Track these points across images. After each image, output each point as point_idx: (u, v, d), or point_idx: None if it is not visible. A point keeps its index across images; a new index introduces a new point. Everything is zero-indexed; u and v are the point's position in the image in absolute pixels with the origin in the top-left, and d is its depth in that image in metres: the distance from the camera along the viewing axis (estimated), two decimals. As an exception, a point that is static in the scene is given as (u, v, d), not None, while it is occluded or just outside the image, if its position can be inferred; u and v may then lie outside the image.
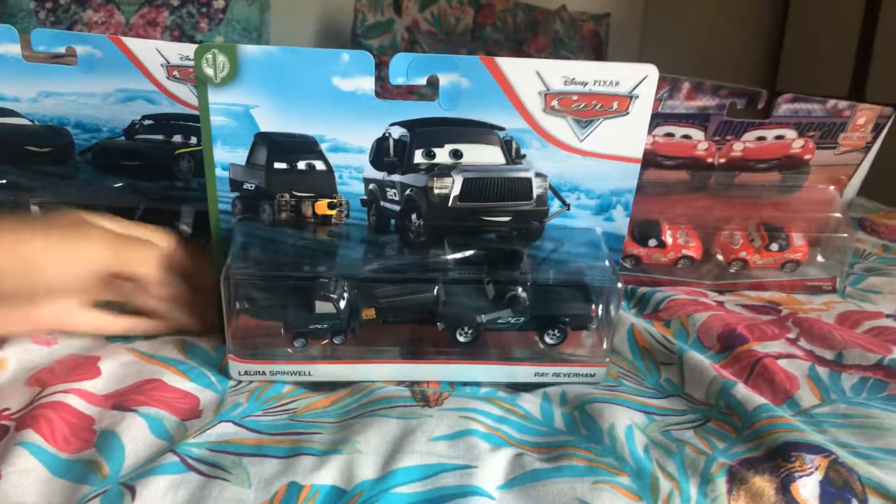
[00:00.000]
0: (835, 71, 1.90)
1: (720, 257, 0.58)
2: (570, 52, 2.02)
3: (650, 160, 0.57)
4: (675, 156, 0.57)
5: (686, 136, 0.56)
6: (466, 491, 0.31)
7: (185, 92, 0.55)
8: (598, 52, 2.07)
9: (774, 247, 0.57)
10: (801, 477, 0.32)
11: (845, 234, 0.56)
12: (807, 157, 0.57)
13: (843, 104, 0.54)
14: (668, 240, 0.57)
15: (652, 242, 0.57)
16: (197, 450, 0.33)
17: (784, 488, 0.31)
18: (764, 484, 0.31)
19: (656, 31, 2.24)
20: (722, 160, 0.57)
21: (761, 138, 0.56)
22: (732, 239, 0.58)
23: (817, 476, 0.32)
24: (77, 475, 0.31)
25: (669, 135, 0.56)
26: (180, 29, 1.87)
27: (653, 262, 0.57)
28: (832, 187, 0.59)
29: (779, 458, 0.33)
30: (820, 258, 0.58)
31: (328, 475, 0.31)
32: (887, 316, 0.51)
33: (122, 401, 0.37)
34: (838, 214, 0.57)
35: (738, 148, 0.56)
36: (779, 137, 0.56)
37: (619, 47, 2.15)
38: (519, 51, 2.02)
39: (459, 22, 2.08)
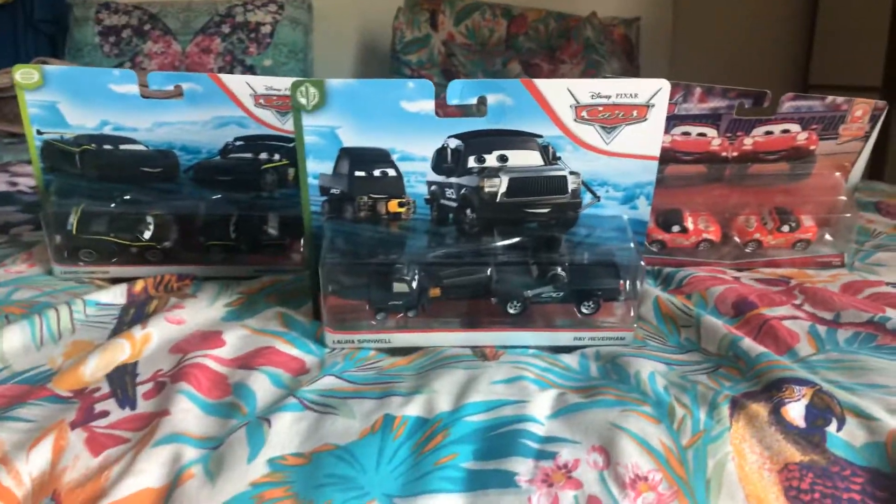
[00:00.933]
0: (867, 63, 1.93)
1: (737, 239, 0.65)
2: (602, 57, 2.09)
3: (670, 157, 0.65)
4: (692, 152, 0.65)
5: (701, 134, 0.64)
6: (522, 418, 0.39)
7: (270, 116, 0.66)
8: (629, 55, 2.14)
9: (786, 228, 0.64)
10: (789, 402, 0.39)
11: (849, 214, 0.63)
12: (811, 147, 0.64)
13: (840, 99, 0.61)
14: (690, 226, 0.65)
15: (675, 228, 0.65)
16: (310, 395, 0.43)
17: (776, 411, 0.39)
18: (759, 408, 0.39)
19: (687, 32, 2.29)
20: (735, 154, 0.65)
21: (769, 133, 0.63)
22: (748, 223, 0.65)
23: (804, 402, 0.40)
24: (224, 413, 0.41)
25: (686, 133, 0.64)
26: (232, 54, 2.00)
27: (677, 246, 0.65)
28: (838, 173, 0.66)
29: (773, 389, 0.41)
30: (828, 237, 0.65)
31: (414, 408, 0.40)
32: (887, 284, 0.58)
33: (246, 362, 0.47)
34: (843, 197, 0.64)
35: (748, 142, 0.64)
36: (785, 132, 0.63)
37: (650, 50, 2.20)
38: (552, 58, 2.09)
39: (493, 33, 2.17)
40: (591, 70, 2.07)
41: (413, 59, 2.03)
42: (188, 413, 0.41)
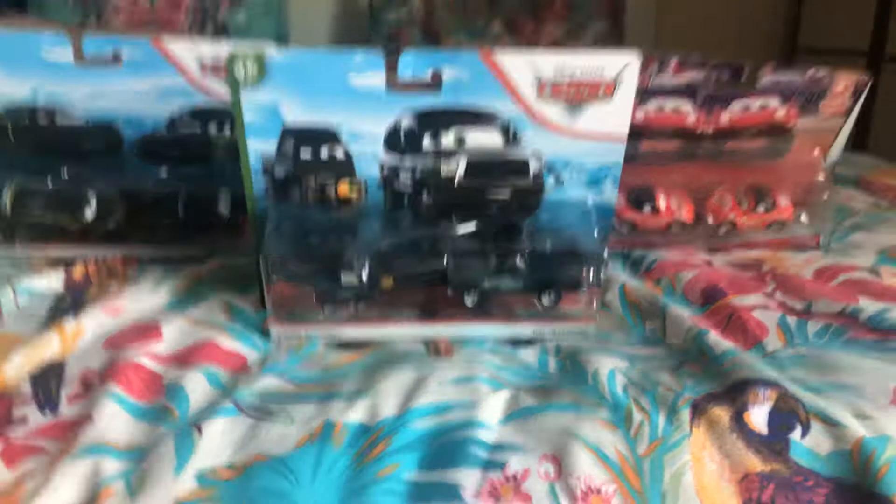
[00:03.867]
0: (855, 26, 1.88)
1: (710, 220, 0.63)
2: (586, 18, 2.03)
3: (643, 132, 0.61)
4: (666, 127, 0.61)
5: (675, 109, 0.60)
6: (470, 423, 0.37)
7: (219, 87, 0.61)
8: (614, 15, 2.08)
9: (761, 208, 0.62)
10: (752, 407, 0.37)
11: (827, 195, 0.61)
12: (790, 123, 0.61)
13: (821, 73, 0.58)
14: (662, 205, 0.62)
15: (647, 208, 0.62)
16: (248, 397, 0.40)
17: (738, 416, 0.37)
18: (721, 413, 0.37)
19: (673, -9, 2.23)
20: (711, 129, 0.61)
21: (747, 108, 0.60)
22: (722, 202, 0.62)
23: (768, 406, 0.38)
24: (154, 417, 0.39)
25: (660, 108, 0.60)
26: (203, 10, 1.92)
27: (647, 227, 0.63)
28: (816, 151, 0.63)
29: (735, 391, 0.38)
30: (804, 218, 0.62)
31: (356, 414, 0.38)
32: (861, 269, 0.55)
33: (183, 360, 0.44)
34: (821, 177, 0.62)
35: (725, 117, 0.61)
36: (763, 107, 0.60)
37: (636, 10, 2.14)
38: (536, 17, 2.03)
39: (475, -10, 2.09)
40: (575, 31, 2.01)
41: (392, 16, 1.96)
42: (114, 419, 0.38)
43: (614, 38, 2.08)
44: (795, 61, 2.15)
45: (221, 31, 1.90)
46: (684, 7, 2.21)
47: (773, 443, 0.36)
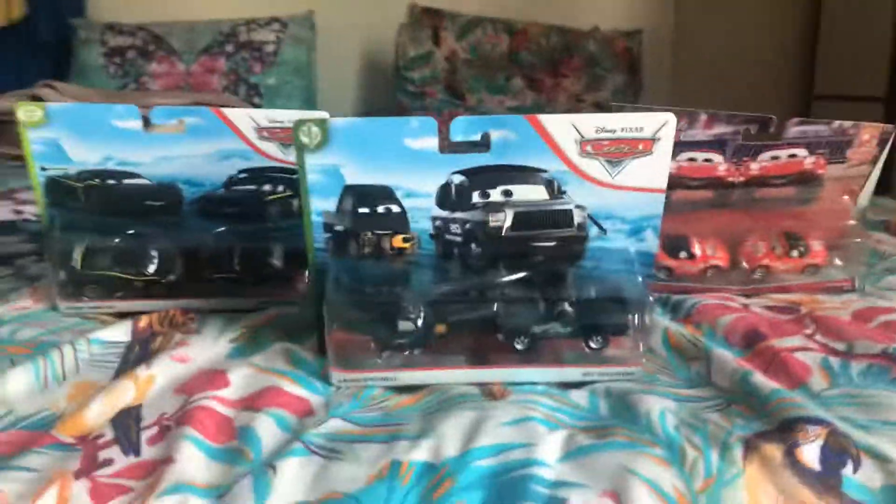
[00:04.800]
0: (871, 73, 1.92)
1: (745, 265, 0.65)
2: (605, 71, 2.09)
3: (677, 182, 0.64)
4: (699, 177, 0.64)
5: (707, 160, 0.63)
6: (530, 462, 0.39)
7: (273, 148, 0.66)
8: (632, 68, 2.14)
9: (795, 253, 0.64)
10: (804, 444, 0.39)
11: (859, 239, 0.63)
12: (819, 171, 0.63)
13: (847, 124, 0.61)
14: (697, 251, 0.64)
15: (682, 254, 0.64)
16: (316, 438, 0.42)
17: (790, 453, 0.38)
18: (773, 450, 0.39)
19: (689, 44, 2.29)
20: (742, 179, 0.64)
21: (775, 158, 0.63)
22: (756, 248, 0.65)
23: (819, 443, 0.39)
24: (229, 459, 0.41)
25: (692, 159, 0.63)
26: (236, 73, 2.01)
27: (685, 272, 0.65)
28: (846, 197, 0.65)
29: (786, 429, 0.40)
30: (838, 261, 0.64)
31: (421, 453, 0.40)
32: (899, 311, 0.57)
33: (251, 404, 0.46)
34: (853, 221, 0.64)
35: (754, 167, 0.63)
36: (791, 156, 0.63)
37: (653, 62, 2.21)
38: (555, 72, 2.10)
39: (496, 48, 2.17)
40: (594, 84, 2.07)
41: (416, 75, 2.03)
42: (193, 460, 0.40)
43: (632, 90, 2.14)
44: (810, 108, 2.19)
45: (254, 92, 2.00)
46: (700, 58, 2.27)
47: (826, 478, 0.37)
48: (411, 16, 2.11)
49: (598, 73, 2.08)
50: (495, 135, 0.49)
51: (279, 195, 0.67)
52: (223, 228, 0.67)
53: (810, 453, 0.38)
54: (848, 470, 0.38)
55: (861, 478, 0.37)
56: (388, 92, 2.07)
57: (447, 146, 0.49)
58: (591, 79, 2.09)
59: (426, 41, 2.08)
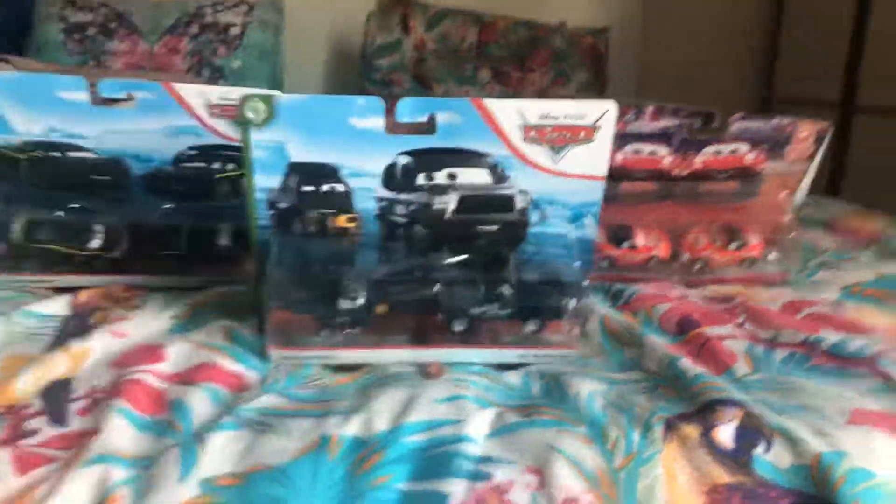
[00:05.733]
0: (828, 77, 1.97)
1: (686, 256, 0.67)
2: (571, 67, 2.11)
3: (622, 174, 0.66)
4: (643, 169, 0.66)
5: (652, 153, 0.65)
6: (459, 438, 0.40)
7: (224, 126, 0.65)
8: (598, 64, 2.16)
9: (733, 246, 0.66)
10: (720, 424, 0.40)
11: (794, 234, 0.65)
12: (759, 167, 0.65)
13: (785, 121, 0.63)
14: (640, 242, 0.66)
15: (625, 245, 0.66)
16: (248, 413, 0.42)
17: (707, 433, 0.40)
18: (691, 430, 0.40)
19: (655, 43, 2.33)
20: (685, 172, 0.66)
21: (718, 152, 0.65)
22: (697, 240, 0.66)
23: (734, 424, 0.40)
24: (159, 430, 0.41)
25: (638, 151, 0.65)
26: (200, 55, 1.97)
27: (627, 262, 0.66)
28: (784, 192, 0.67)
29: (705, 411, 0.41)
30: (774, 255, 0.66)
31: (351, 428, 0.40)
32: (826, 303, 0.59)
33: (186, 378, 0.46)
34: (788, 216, 0.66)
35: (698, 161, 0.65)
36: (733, 151, 0.64)
37: (619, 60, 2.23)
38: (522, 66, 2.11)
39: (464, 40, 2.17)
40: (560, 79, 2.09)
41: (384, 63, 2.02)
42: (121, 431, 0.40)
43: (597, 86, 2.16)
44: (770, 111, 2.24)
45: (218, 75, 1.96)
46: (665, 56, 2.31)
47: (739, 457, 0.39)
48: (381, 4, 2.10)
49: (565, 68, 2.10)
50: (441, 117, 0.49)
51: (229, 173, 0.67)
52: (171, 206, 0.66)
53: (726, 433, 0.40)
54: (760, 450, 0.39)
55: (771, 457, 0.39)
56: (355, 79, 2.06)
57: (393, 127, 0.50)
58: (557, 74, 2.10)
59: (395, 29, 2.07)
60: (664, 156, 0.65)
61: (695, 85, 2.22)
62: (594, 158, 0.51)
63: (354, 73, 2.08)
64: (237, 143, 0.66)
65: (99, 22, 1.95)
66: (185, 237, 0.65)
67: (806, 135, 0.64)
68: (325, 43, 2.21)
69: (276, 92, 0.50)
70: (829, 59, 1.97)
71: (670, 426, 0.41)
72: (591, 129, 0.50)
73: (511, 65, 2.10)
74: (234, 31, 1.99)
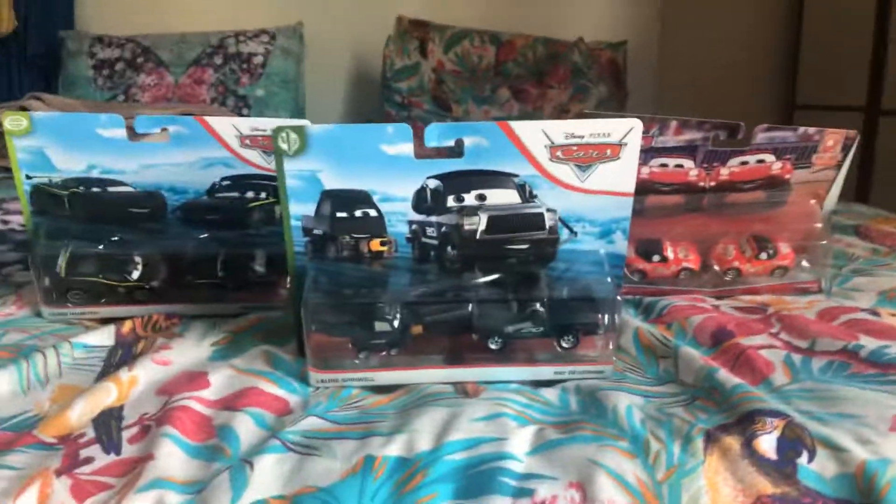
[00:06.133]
0: (851, 81, 1.95)
1: (716, 268, 0.67)
2: (590, 82, 2.12)
3: (649, 188, 0.66)
4: (670, 182, 0.66)
5: (678, 166, 0.65)
6: (501, 456, 0.40)
7: (255, 156, 0.67)
8: (616, 78, 2.17)
9: (763, 255, 0.65)
10: (762, 434, 0.40)
11: (825, 241, 0.64)
12: (786, 176, 0.65)
13: (812, 130, 0.63)
14: (670, 255, 0.66)
15: (655, 258, 0.66)
16: (293, 436, 0.43)
17: (748, 444, 0.40)
18: (732, 441, 0.40)
19: (673, 55, 2.33)
20: (712, 184, 0.66)
21: (744, 163, 0.65)
22: (726, 251, 0.66)
23: (776, 434, 0.40)
24: (208, 456, 0.42)
25: (664, 165, 0.65)
26: (224, 85, 2.02)
27: (657, 275, 0.66)
28: (813, 201, 0.67)
29: (746, 421, 0.41)
30: (805, 263, 0.66)
31: (394, 448, 0.41)
32: (862, 310, 0.59)
33: (230, 404, 0.47)
34: (819, 224, 0.66)
35: (724, 172, 0.65)
36: (760, 161, 0.65)
37: (637, 73, 2.24)
38: (540, 83, 2.12)
39: (482, 60, 2.20)
40: (579, 94, 2.10)
41: (404, 86, 2.05)
42: (172, 457, 0.42)
43: (617, 100, 2.17)
44: (792, 118, 2.22)
45: (242, 103, 2.01)
46: (683, 68, 2.30)
47: (783, 467, 0.39)
48: (399, 28, 2.14)
49: (584, 83, 2.11)
50: (468, 141, 0.50)
51: (261, 202, 0.69)
52: (206, 235, 0.68)
53: (767, 443, 0.40)
54: (803, 459, 0.39)
55: (816, 467, 0.39)
56: (376, 103, 2.09)
57: (422, 152, 0.51)
58: (576, 89, 2.12)
59: (413, 53, 2.10)
60: (690, 168, 0.65)
61: (715, 94, 2.22)
62: (621, 175, 0.51)
63: (375, 96, 2.11)
64: (269, 173, 0.68)
65: (126, 57, 2.01)
66: (220, 265, 0.66)
67: (832, 143, 0.63)
68: (345, 68, 2.25)
69: (306, 122, 0.51)
70: (852, 63, 1.95)
71: (711, 437, 0.41)
72: (618, 147, 0.50)
73: (530, 82, 2.11)
74: (257, 60, 2.04)
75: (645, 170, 0.65)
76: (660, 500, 0.38)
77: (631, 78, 2.20)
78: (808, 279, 0.66)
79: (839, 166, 0.65)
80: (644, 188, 0.65)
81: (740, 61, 2.27)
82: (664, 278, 0.67)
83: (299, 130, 0.49)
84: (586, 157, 0.50)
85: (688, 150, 0.64)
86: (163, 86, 2.00)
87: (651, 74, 2.32)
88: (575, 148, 0.50)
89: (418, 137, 0.50)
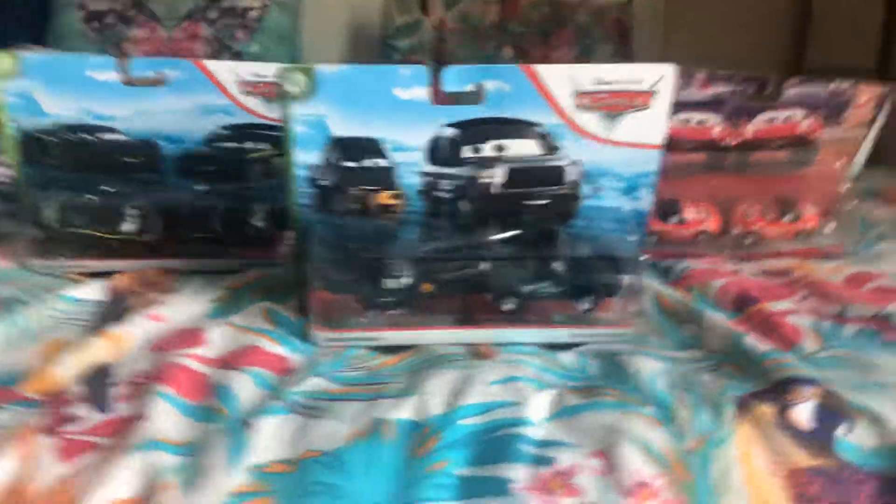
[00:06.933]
0: (862, 45, 1.91)
1: (737, 230, 0.64)
2: (595, 42, 2.06)
3: (670, 144, 0.62)
4: (691, 139, 0.63)
5: (701, 122, 0.62)
6: (517, 422, 0.38)
7: (256, 104, 0.63)
8: (622, 39, 2.11)
9: (786, 218, 0.63)
10: (797, 404, 0.38)
11: (851, 205, 0.62)
12: (814, 135, 0.62)
13: (844, 85, 0.59)
14: (688, 216, 0.63)
15: (673, 219, 0.63)
16: (296, 397, 0.41)
17: (783, 413, 0.38)
18: (766, 410, 0.38)
19: (680, 15, 2.26)
20: (735, 142, 0.63)
21: (771, 120, 0.61)
22: (748, 213, 0.63)
23: (812, 403, 0.38)
24: (204, 416, 0.39)
25: (686, 120, 0.62)
26: (219, 40, 1.95)
27: (675, 237, 0.64)
28: (839, 162, 0.64)
29: (779, 389, 0.39)
30: (829, 227, 0.63)
31: (405, 412, 0.39)
32: (891, 276, 0.56)
33: (229, 362, 0.44)
34: (845, 186, 0.63)
35: (749, 130, 0.62)
36: (787, 119, 0.61)
37: (643, 33, 2.18)
38: (545, 43, 2.07)
39: (485, 18, 2.13)
40: (584, 56, 2.05)
41: (404, 44, 1.99)
42: (166, 417, 0.39)
43: (623, 60, 2.12)
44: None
45: (237, 59, 1.95)
46: (691, 29, 2.24)
47: (819, 439, 0.37)
48: (400, -18, 2.07)
49: (589, 44, 2.05)
50: (489, 86, 0.47)
51: (262, 153, 0.65)
52: (204, 187, 0.65)
53: (803, 413, 0.38)
54: (841, 430, 0.37)
55: (854, 438, 0.37)
56: (374, 61, 2.03)
57: (438, 97, 0.47)
58: (581, 50, 2.06)
59: (414, 9, 2.04)
60: (714, 125, 0.62)
61: (722, 57, 2.16)
62: (650, 126, 0.48)
63: (373, 55, 2.05)
64: (270, 122, 0.64)
65: (117, 9, 1.94)
66: (218, 219, 0.63)
67: (866, 99, 0.60)
68: (343, 25, 2.18)
69: (315, 63, 0.48)
70: (863, 25, 1.90)
71: (742, 405, 0.38)
72: (648, 95, 0.47)
73: (534, 42, 2.05)
74: (253, 14, 1.97)
75: (666, 126, 0.61)
76: (689, 470, 0.35)
77: (637, 39, 2.14)
78: (832, 243, 0.63)
79: (871, 124, 0.62)
80: (664, 144, 0.61)
81: (748, 23, 2.21)
82: (682, 240, 0.64)
83: (308, 71, 0.46)
84: (615, 105, 0.47)
85: (713, 105, 0.61)
86: (155, 40, 1.94)
87: (658, 35, 2.26)
88: (603, 95, 0.47)
89: (435, 81, 0.47)
